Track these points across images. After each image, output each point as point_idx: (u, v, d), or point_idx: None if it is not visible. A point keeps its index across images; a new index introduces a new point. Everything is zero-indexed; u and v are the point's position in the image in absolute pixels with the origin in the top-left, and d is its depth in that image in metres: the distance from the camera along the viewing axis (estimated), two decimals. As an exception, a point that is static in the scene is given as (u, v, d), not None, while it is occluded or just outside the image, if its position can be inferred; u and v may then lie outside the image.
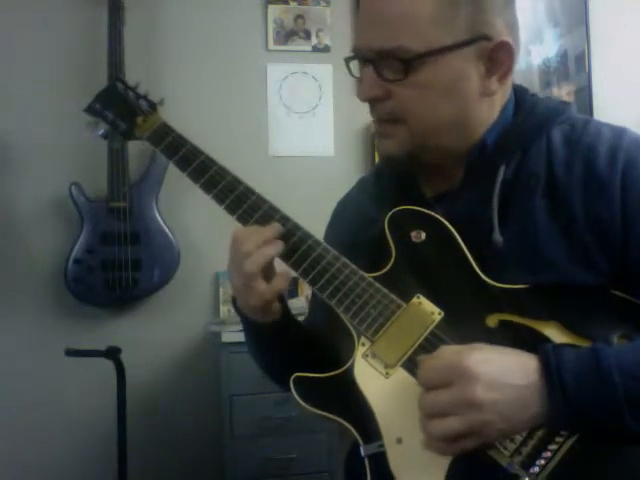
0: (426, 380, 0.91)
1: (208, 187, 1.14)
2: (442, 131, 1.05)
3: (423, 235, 1.05)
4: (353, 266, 1.05)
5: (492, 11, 1.01)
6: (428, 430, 0.89)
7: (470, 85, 1.03)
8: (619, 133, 1.04)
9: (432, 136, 1.05)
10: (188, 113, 2.96)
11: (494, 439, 0.89)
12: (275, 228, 1.08)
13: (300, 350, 1.18)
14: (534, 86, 3.38)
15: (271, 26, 3.27)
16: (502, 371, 0.88)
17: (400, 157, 1.07)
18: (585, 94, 3.26)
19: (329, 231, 1.30)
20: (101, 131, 1.27)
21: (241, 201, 1.12)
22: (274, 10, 3.27)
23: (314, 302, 1.33)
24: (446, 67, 1.00)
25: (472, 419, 0.86)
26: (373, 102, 1.06)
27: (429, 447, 0.90)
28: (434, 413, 0.88)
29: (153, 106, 1.26)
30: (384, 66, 1.02)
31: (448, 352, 0.91)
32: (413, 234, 1.05)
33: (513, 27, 1.05)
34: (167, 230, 3.00)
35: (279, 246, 1.07)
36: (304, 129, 3.27)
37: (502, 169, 1.05)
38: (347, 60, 1.10)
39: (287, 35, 3.28)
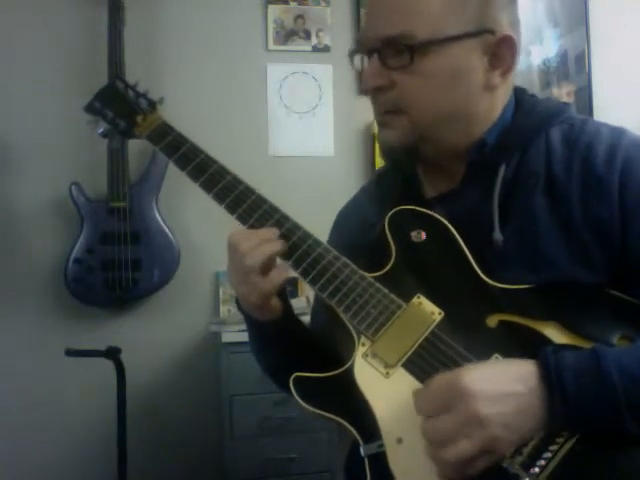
0: (425, 409, 0.90)
1: (208, 186, 1.14)
2: (443, 123, 1.05)
3: (423, 235, 1.05)
4: (353, 266, 1.05)
5: (497, 6, 1.03)
6: (441, 459, 0.87)
7: (474, 77, 1.04)
8: (618, 133, 1.04)
9: (433, 128, 1.05)
10: (188, 113, 2.96)
11: (507, 452, 0.87)
12: (273, 230, 1.08)
13: (302, 351, 1.18)
14: (534, 86, 3.38)
15: (271, 26, 3.27)
16: (499, 383, 0.87)
17: (400, 148, 1.07)
18: (585, 94, 3.26)
19: (332, 236, 1.30)
20: (101, 129, 1.27)
21: (241, 200, 1.11)
22: (274, 10, 3.27)
23: (316, 304, 1.33)
24: (451, 57, 1.01)
25: (482, 437, 0.84)
26: (376, 92, 1.06)
27: (446, 476, 0.88)
28: (442, 440, 0.87)
29: (153, 105, 1.26)
30: (389, 54, 1.02)
31: (441, 378, 0.90)
32: (413, 234, 1.05)
33: (516, 25, 1.07)
34: (167, 230, 3.00)
35: (280, 245, 1.07)
36: (304, 129, 3.28)
37: (502, 168, 1.05)
38: (351, 53, 1.11)
39: (287, 35, 3.28)
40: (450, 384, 0.88)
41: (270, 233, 1.08)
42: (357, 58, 1.11)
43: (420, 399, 0.91)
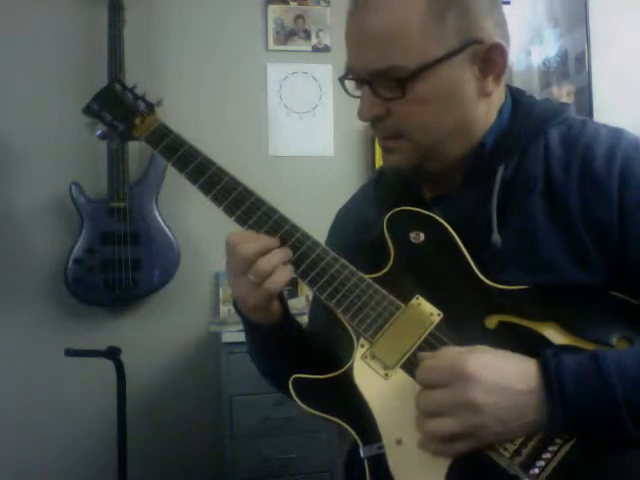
0: (425, 379, 0.92)
1: (206, 188, 1.13)
2: (446, 139, 1.05)
3: (422, 236, 1.05)
4: (352, 267, 1.05)
5: (479, 15, 1.01)
6: (424, 428, 0.90)
7: (468, 89, 1.03)
8: (616, 134, 1.04)
9: (436, 146, 1.05)
10: (188, 113, 2.97)
11: (490, 442, 0.89)
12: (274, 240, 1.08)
13: (300, 352, 1.17)
14: (534, 86, 3.38)
15: (271, 26, 3.27)
16: (502, 375, 0.88)
17: (406, 169, 1.07)
18: (585, 94, 3.26)
19: (330, 236, 1.29)
20: (99, 132, 1.27)
21: (240, 202, 1.11)
22: (274, 10, 3.27)
23: (314, 306, 1.32)
24: (441, 78, 1.00)
25: (468, 421, 0.87)
26: (375, 121, 1.06)
27: (425, 446, 0.91)
28: (431, 412, 0.89)
29: (151, 107, 1.25)
30: (380, 86, 1.02)
31: (450, 353, 0.92)
32: (412, 235, 1.05)
33: (502, 25, 1.06)
34: (167, 230, 3.01)
35: (289, 253, 1.06)
36: (304, 129, 3.28)
37: (501, 170, 1.05)
38: (342, 79, 1.09)
39: (287, 35, 3.28)
40: (455, 362, 0.89)
41: (273, 241, 1.07)
42: (348, 83, 1.09)
43: (424, 368, 0.92)
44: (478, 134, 1.07)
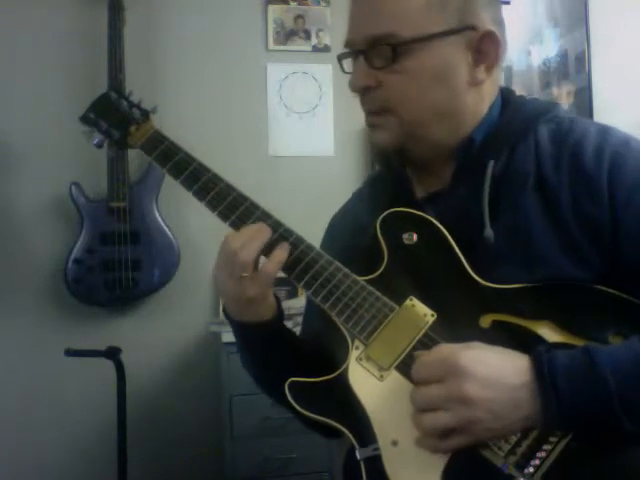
0: (420, 375, 0.92)
1: (201, 194, 1.14)
2: (431, 121, 1.06)
3: (415, 237, 1.05)
4: (346, 270, 1.05)
5: (478, 4, 1.05)
6: (418, 424, 0.91)
7: (458, 73, 1.05)
8: (604, 131, 1.05)
9: (422, 126, 1.06)
10: (188, 113, 2.98)
11: (484, 437, 0.90)
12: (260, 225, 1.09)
13: (294, 355, 1.17)
14: (534, 86, 3.38)
15: (271, 26, 3.27)
16: (496, 370, 0.89)
17: (391, 148, 1.08)
18: (585, 94, 3.26)
19: (325, 241, 1.29)
20: (96, 140, 1.28)
21: (234, 207, 1.12)
22: (274, 10, 3.27)
23: (307, 309, 1.33)
24: (434, 54, 1.03)
25: (462, 415, 0.87)
26: (364, 92, 1.08)
27: (421, 443, 0.92)
28: (426, 407, 0.90)
29: (146, 114, 1.27)
30: (374, 55, 1.04)
31: (444, 349, 0.93)
32: (405, 236, 1.06)
33: (499, 23, 1.08)
34: (167, 230, 3.00)
35: (268, 232, 1.07)
36: (304, 129, 3.28)
37: (491, 165, 1.06)
38: (340, 57, 1.12)
39: (287, 35, 3.28)
40: (449, 358, 0.90)
41: (257, 226, 1.08)
42: (346, 62, 1.12)
43: (419, 364, 0.93)
44: (466, 125, 1.08)
